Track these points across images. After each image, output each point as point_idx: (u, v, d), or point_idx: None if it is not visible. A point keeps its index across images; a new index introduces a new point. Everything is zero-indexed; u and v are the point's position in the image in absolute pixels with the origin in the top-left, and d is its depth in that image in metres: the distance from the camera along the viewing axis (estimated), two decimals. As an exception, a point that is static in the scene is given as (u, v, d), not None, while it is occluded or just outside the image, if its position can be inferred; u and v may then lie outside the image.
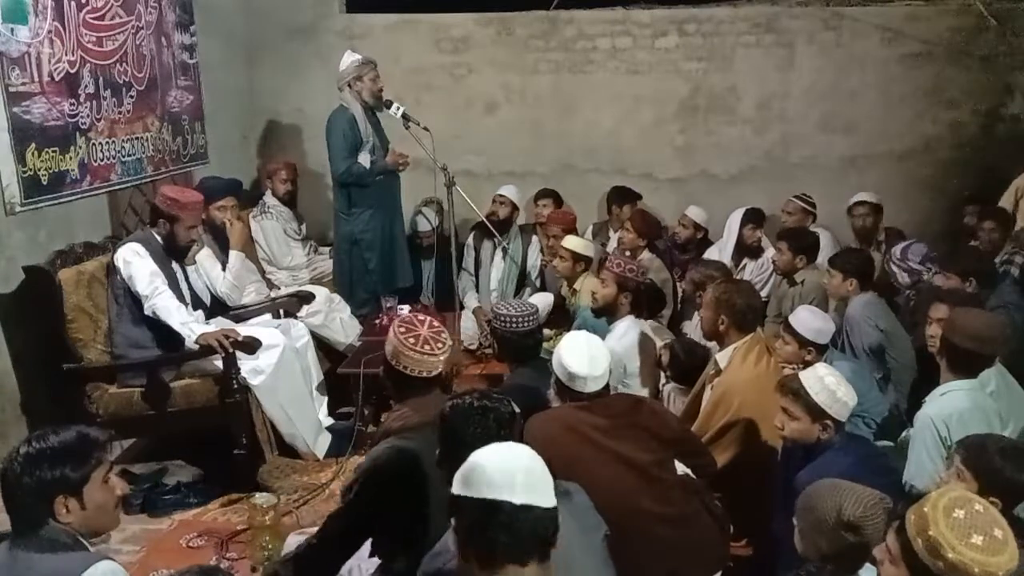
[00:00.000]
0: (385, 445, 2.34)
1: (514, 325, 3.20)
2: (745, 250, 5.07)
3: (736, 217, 5.09)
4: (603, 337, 3.53)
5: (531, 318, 3.24)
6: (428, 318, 2.52)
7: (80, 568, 1.78)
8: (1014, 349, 3.29)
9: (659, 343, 4.02)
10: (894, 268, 4.24)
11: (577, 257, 4.49)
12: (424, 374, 2.41)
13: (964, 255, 4.18)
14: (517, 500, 1.52)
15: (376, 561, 2.43)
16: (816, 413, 2.57)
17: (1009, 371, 3.02)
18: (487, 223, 4.93)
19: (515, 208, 5.28)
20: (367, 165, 4.73)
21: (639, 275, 3.79)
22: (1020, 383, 3.04)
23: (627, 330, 3.72)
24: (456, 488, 1.57)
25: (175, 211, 3.64)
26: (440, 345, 2.42)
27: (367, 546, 2.44)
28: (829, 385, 2.56)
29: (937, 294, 3.56)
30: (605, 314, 3.84)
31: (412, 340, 2.38)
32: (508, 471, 1.55)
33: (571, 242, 4.56)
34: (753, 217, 5.07)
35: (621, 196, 5.55)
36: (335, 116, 4.72)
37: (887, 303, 3.96)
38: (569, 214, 5.27)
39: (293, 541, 2.89)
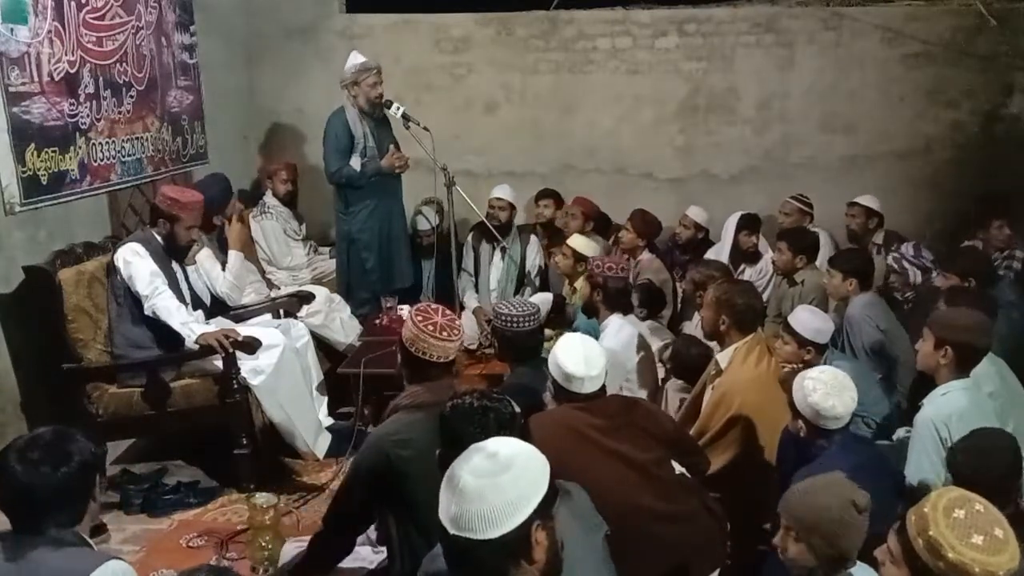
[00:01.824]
0: (391, 420, 2.47)
1: (515, 324, 3.20)
2: (742, 256, 5.03)
3: (731, 223, 5.05)
4: (598, 338, 3.54)
5: (532, 317, 3.23)
6: (440, 307, 2.63)
7: (90, 566, 1.78)
8: (1014, 348, 3.29)
9: (658, 343, 4.02)
10: (907, 265, 4.20)
11: (578, 256, 4.49)
12: (441, 359, 2.52)
13: (964, 255, 4.18)
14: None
15: (377, 558, 2.44)
16: (791, 407, 2.64)
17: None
18: (488, 225, 4.92)
19: (513, 208, 5.28)
20: (357, 167, 4.74)
21: (607, 270, 3.77)
22: (1021, 381, 3.04)
23: (620, 327, 3.72)
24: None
25: (175, 211, 3.64)
26: (455, 332, 2.56)
27: (367, 550, 2.45)
28: (806, 387, 2.57)
29: (937, 295, 3.56)
30: (591, 313, 3.86)
31: (430, 327, 2.50)
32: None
33: (574, 241, 4.56)
34: (748, 223, 5.02)
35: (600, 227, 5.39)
36: (332, 117, 4.78)
37: (887, 303, 3.96)
38: (591, 202, 5.27)
39: (291, 549, 2.89)
